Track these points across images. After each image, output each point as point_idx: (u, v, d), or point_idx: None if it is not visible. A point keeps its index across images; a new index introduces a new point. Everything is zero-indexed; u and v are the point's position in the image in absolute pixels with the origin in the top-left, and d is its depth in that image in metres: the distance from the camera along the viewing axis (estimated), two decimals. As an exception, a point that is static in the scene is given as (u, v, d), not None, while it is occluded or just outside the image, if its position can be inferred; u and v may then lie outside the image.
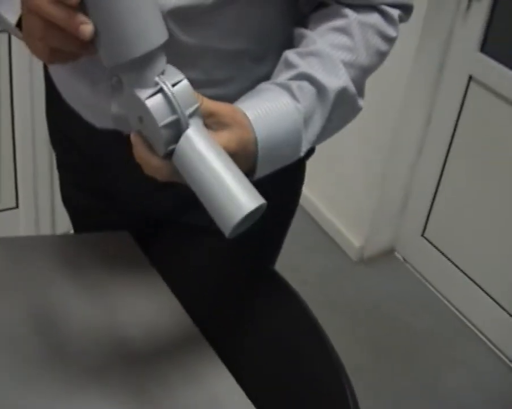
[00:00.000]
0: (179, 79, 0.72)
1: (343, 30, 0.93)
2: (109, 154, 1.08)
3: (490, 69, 2.38)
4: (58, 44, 0.73)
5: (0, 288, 1.08)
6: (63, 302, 1.08)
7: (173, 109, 0.71)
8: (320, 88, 0.89)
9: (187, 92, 0.72)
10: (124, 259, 1.17)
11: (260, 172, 0.85)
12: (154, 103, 0.71)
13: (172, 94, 0.71)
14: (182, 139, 0.72)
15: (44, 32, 0.72)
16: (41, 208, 2.63)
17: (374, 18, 0.94)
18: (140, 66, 0.71)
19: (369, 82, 1.00)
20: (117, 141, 0.97)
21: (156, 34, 0.71)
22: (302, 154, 0.89)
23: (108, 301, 1.09)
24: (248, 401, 0.95)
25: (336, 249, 2.90)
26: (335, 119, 0.92)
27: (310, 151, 1.20)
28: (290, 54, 0.91)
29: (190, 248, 1.19)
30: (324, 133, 0.92)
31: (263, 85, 0.89)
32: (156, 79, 0.71)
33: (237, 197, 0.71)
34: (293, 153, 0.88)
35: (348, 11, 0.93)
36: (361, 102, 0.96)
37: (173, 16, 0.86)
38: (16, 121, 2.43)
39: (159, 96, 0.71)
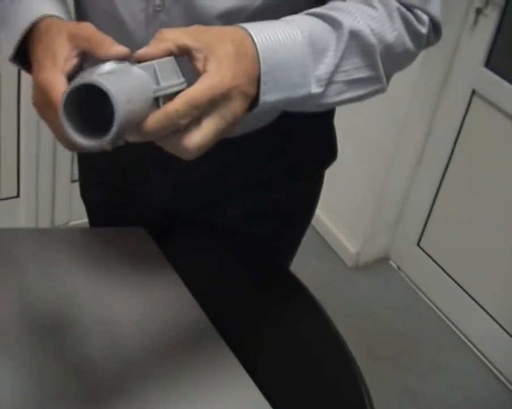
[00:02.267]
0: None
1: (365, 1, 0.88)
2: (132, 154, 1.10)
3: (494, 84, 2.40)
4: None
5: (14, 279, 1.09)
6: (78, 295, 1.08)
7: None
8: (334, 24, 0.83)
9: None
10: (140, 255, 1.18)
11: (266, 91, 0.78)
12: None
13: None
14: None
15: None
16: (42, 199, 2.63)
17: (400, 6, 0.90)
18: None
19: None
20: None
21: None
22: (312, 89, 0.81)
23: (124, 296, 1.10)
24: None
25: (332, 255, 2.92)
26: (351, 68, 0.85)
27: (332, 157, 1.22)
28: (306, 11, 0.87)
29: (206, 247, 1.20)
30: (338, 84, 0.84)
31: None
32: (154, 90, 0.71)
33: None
34: (300, 80, 0.80)
35: None
36: (385, 82, 0.91)
37: (222, 19, 0.88)
38: (22, 110, 2.43)
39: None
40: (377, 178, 2.74)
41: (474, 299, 2.62)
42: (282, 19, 0.83)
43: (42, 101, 0.75)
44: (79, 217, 2.64)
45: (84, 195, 1.32)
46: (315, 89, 0.82)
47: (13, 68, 2.46)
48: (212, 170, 1.08)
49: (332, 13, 0.84)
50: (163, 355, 1.01)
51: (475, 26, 2.42)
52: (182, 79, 0.73)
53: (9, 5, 0.90)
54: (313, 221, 1.29)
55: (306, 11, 0.86)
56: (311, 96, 0.82)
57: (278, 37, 0.78)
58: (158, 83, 0.70)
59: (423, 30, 0.93)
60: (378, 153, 2.71)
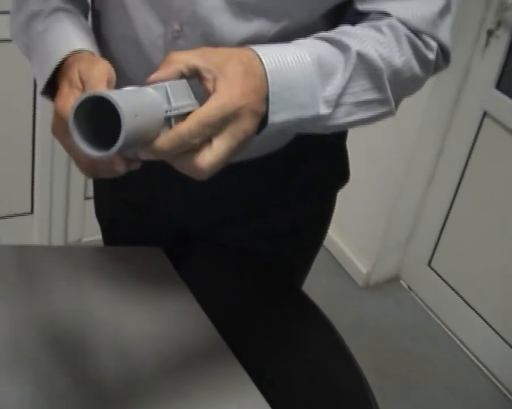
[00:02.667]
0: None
1: (374, 27, 0.89)
2: (148, 172, 1.11)
3: (505, 105, 2.41)
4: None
5: (28, 295, 1.10)
6: (91, 313, 1.09)
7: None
8: (342, 48, 0.85)
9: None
10: (155, 275, 1.19)
11: (275, 110, 0.78)
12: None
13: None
14: None
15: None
16: (55, 216, 2.66)
17: (408, 31, 0.90)
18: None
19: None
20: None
21: None
22: (320, 110, 0.82)
23: (137, 315, 1.11)
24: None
25: (343, 274, 2.93)
26: (359, 90, 0.86)
27: (344, 179, 1.23)
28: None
29: (218, 265, 1.21)
30: (346, 106, 0.85)
31: None
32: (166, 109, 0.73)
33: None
34: (308, 101, 0.81)
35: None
36: (394, 106, 0.91)
37: (240, 46, 0.87)
38: (37, 127, 2.46)
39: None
40: (389, 198, 2.74)
41: (484, 319, 2.62)
42: (291, 42, 0.84)
43: (62, 128, 0.76)
44: (92, 234, 2.66)
45: (99, 212, 1.33)
46: (324, 110, 0.83)
47: (29, 86, 2.47)
48: (222, 191, 1.10)
49: (340, 37, 0.85)
50: (175, 374, 1.02)
51: (486, 48, 2.44)
52: (194, 101, 0.75)
53: (39, 36, 0.92)
54: (324, 241, 1.30)
55: (314, 35, 0.87)
56: (319, 118, 0.83)
57: (286, 59, 0.79)
58: (169, 103, 0.72)
59: (431, 55, 0.93)
60: (390, 173, 2.71)
